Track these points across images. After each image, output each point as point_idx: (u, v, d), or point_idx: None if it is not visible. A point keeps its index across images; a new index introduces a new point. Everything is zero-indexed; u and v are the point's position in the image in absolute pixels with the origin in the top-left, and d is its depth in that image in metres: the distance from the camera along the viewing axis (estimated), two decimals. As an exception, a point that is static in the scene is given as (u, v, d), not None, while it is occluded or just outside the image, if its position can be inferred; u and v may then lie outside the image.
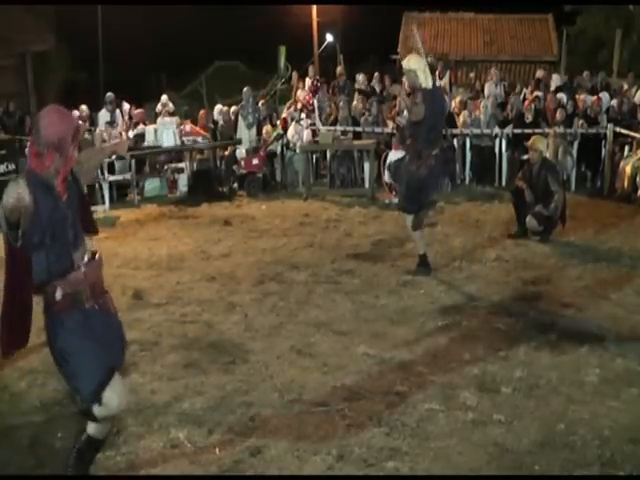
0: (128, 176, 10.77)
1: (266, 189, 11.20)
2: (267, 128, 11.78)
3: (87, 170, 3.31)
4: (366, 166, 11.03)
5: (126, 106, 12.72)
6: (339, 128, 11.54)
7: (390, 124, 11.30)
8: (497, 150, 11.24)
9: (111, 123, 11.85)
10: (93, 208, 9.63)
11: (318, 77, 13.35)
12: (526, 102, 11.53)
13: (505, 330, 5.28)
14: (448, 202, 9.71)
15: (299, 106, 12.33)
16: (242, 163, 11.34)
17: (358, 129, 11.53)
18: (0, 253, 2.92)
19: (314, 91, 12.39)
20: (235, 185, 11.48)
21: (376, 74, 14.04)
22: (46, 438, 3.87)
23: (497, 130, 11.15)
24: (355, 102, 12.18)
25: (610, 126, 10.47)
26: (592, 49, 23.43)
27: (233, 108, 12.57)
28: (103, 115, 12.17)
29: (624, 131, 10.35)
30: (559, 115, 10.82)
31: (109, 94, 12.44)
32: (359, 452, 3.66)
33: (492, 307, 5.79)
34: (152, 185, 11.46)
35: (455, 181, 11.12)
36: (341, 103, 11.84)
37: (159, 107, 12.72)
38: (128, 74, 23.28)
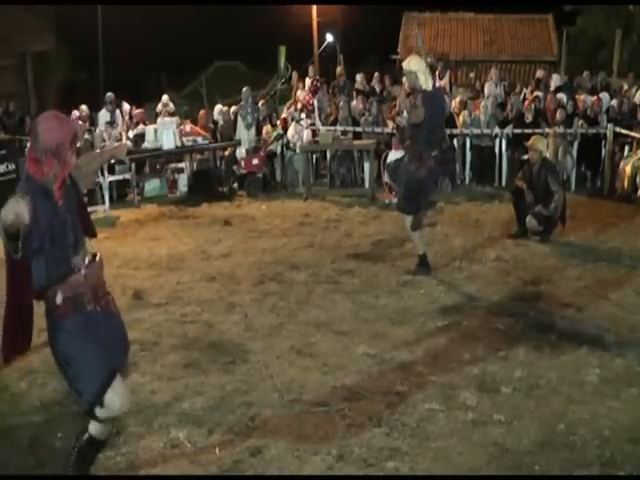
0: (128, 176, 10.77)
1: (266, 189, 11.19)
2: (267, 128, 11.78)
3: (86, 174, 3.32)
4: (366, 166, 11.04)
5: (126, 106, 12.71)
6: (339, 128, 11.54)
7: (390, 124, 11.30)
8: (497, 150, 11.23)
9: (111, 123, 11.85)
10: (93, 208, 9.70)
11: (318, 77, 13.33)
12: (526, 102, 11.53)
13: (505, 330, 5.28)
14: (448, 202, 9.71)
15: (299, 106, 12.32)
16: (242, 163, 11.34)
17: (358, 129, 11.53)
18: (0, 254, 2.92)
19: (314, 91, 12.38)
20: (235, 185, 11.48)
21: (376, 74, 14.05)
22: (46, 438, 3.87)
23: (497, 130, 11.15)
24: (355, 102, 12.19)
25: (610, 126, 10.47)
26: (592, 49, 23.44)
27: (233, 108, 12.57)
28: (103, 115, 12.17)
29: (624, 131, 10.34)
30: (559, 115, 10.82)
31: (109, 94, 12.43)
32: (359, 452, 3.66)
33: (492, 307, 5.79)
34: (152, 185, 11.46)
35: (455, 181, 11.12)
36: (341, 103, 11.83)
37: (160, 107, 12.71)
38: (128, 74, 23.27)
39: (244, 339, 5.24)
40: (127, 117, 12.47)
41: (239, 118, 11.96)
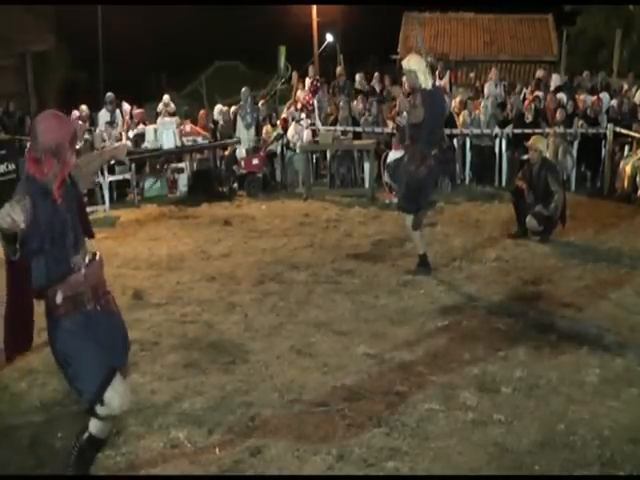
0: (128, 176, 10.77)
1: (266, 189, 11.19)
2: (267, 128, 11.78)
3: (86, 174, 3.32)
4: (366, 166, 11.04)
5: (126, 106, 12.70)
6: (339, 128, 11.54)
7: (390, 124, 11.30)
8: (497, 150, 11.23)
9: (111, 123, 11.84)
10: (93, 208, 9.71)
11: (318, 77, 13.33)
12: (526, 102, 11.53)
13: (505, 330, 5.28)
14: (448, 202, 9.72)
15: (299, 106, 12.32)
16: (242, 163, 11.34)
17: (358, 129, 11.53)
18: (0, 255, 2.92)
19: (314, 91, 12.38)
20: (235, 185, 11.48)
21: (376, 74, 14.05)
22: (46, 438, 3.87)
23: (497, 130, 11.15)
24: (355, 102, 12.19)
25: (610, 126, 10.46)
26: (592, 49, 23.44)
27: (233, 108, 12.57)
28: (103, 115, 12.16)
29: (624, 131, 10.35)
30: (559, 115, 10.82)
31: (109, 94, 12.43)
32: (359, 452, 3.66)
33: (492, 307, 5.79)
34: (152, 185, 11.46)
35: (455, 181, 11.12)
36: (341, 103, 11.84)
37: (161, 107, 12.71)
38: (128, 74, 23.30)
39: (244, 339, 5.24)
40: (127, 117, 12.47)
41: (238, 118, 11.96)
